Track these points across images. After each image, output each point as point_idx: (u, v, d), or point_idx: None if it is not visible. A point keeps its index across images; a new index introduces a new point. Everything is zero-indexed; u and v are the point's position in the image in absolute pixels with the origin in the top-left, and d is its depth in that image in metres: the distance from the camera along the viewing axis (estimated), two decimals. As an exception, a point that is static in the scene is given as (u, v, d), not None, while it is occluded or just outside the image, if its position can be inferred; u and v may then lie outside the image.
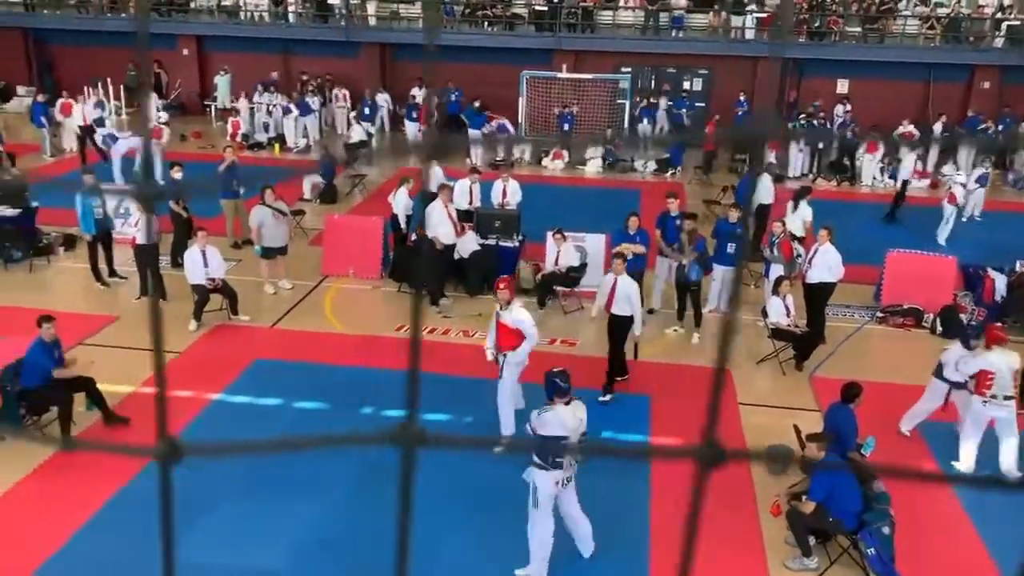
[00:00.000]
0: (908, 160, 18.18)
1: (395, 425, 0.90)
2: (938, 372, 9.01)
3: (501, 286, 8.84)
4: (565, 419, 6.71)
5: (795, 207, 13.16)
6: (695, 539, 0.84)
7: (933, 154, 21.39)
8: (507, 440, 8.30)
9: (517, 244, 13.20)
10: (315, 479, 8.06)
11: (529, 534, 6.87)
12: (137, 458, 8.28)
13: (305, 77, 24.85)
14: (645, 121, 22.74)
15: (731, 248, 11.85)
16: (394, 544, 0.91)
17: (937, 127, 21.70)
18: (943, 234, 16.00)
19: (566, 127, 22.06)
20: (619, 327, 9.96)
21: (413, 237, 13.15)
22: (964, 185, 16.61)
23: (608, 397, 9.91)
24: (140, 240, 11.82)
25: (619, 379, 10.16)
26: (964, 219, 16.94)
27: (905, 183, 17.72)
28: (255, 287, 12.73)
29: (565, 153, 21.72)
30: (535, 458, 6.78)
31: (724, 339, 0.86)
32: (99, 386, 8.92)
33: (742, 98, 22.92)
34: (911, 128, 21.15)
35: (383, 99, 24.15)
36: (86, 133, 19.96)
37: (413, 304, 0.89)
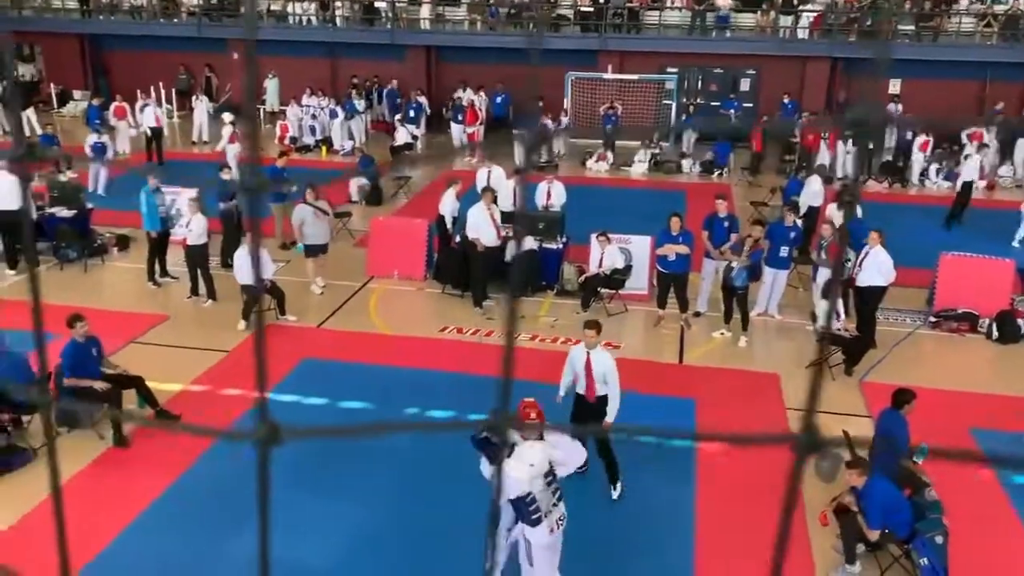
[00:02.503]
0: (973, 161, 17.61)
1: (256, 424, 0.88)
2: None
3: (532, 414, 6.44)
4: (516, 475, 5.83)
5: (840, 207, 12.93)
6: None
7: (991, 156, 20.86)
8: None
9: (560, 246, 13.17)
10: (359, 476, 8.12)
11: None
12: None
13: (355, 80, 25.10)
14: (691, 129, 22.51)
15: (784, 251, 11.69)
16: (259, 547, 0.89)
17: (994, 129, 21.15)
18: (1018, 236, 15.64)
19: (609, 127, 21.95)
20: (596, 413, 7.71)
21: (457, 239, 13.18)
22: None
23: (619, 490, 7.91)
24: (191, 241, 12.06)
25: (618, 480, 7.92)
26: None
27: (969, 185, 17.04)
28: (303, 287, 12.88)
29: (609, 155, 21.62)
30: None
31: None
32: (149, 383, 9.08)
33: (786, 100, 22.57)
34: (982, 129, 20.62)
35: (423, 101, 24.29)
36: (156, 135, 20.40)
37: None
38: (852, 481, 6.91)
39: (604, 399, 7.73)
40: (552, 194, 13.98)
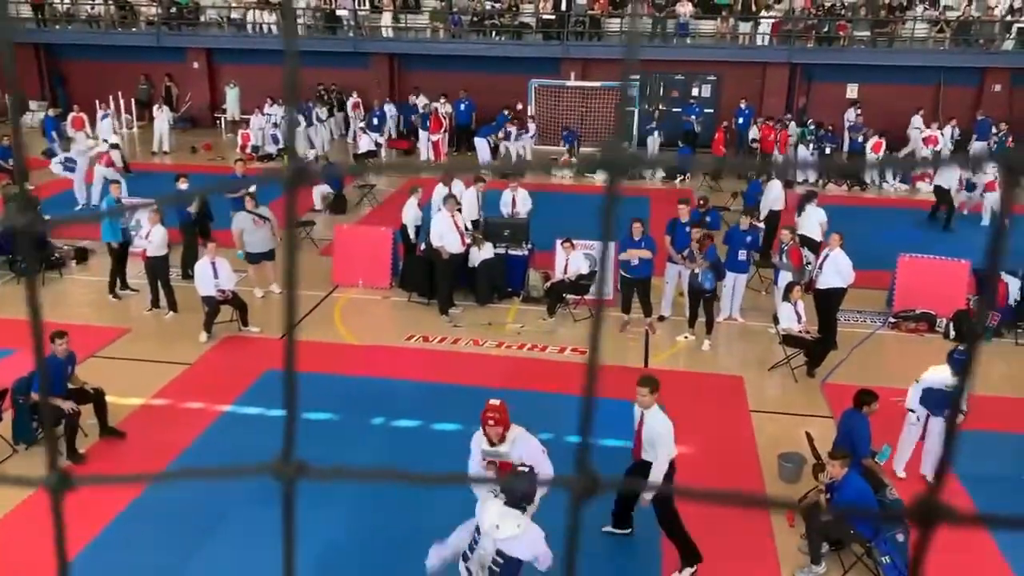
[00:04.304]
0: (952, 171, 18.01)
1: (275, 458, 0.86)
2: None
3: (490, 421, 6.29)
4: (479, 514, 5.67)
5: (800, 212, 13.17)
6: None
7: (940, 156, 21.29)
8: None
9: (526, 252, 13.19)
10: (323, 488, 8.05)
11: None
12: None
13: (322, 88, 24.95)
14: (656, 135, 22.51)
15: (743, 255, 11.84)
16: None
17: (947, 131, 21.59)
18: (986, 219, 16.87)
19: (566, 146, 22.08)
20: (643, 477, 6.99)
21: (422, 247, 13.14)
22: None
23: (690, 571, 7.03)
24: (151, 253, 11.90)
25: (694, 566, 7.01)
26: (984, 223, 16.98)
27: (947, 191, 17.32)
28: (266, 298, 12.80)
29: (573, 160, 21.69)
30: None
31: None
32: (109, 398, 8.94)
33: (743, 105, 22.82)
34: (937, 133, 21.02)
35: (391, 109, 24.23)
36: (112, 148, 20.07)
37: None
38: (833, 471, 6.95)
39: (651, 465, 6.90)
40: (517, 201, 14.00)
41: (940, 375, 8.10)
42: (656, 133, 22.52)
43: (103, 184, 17.02)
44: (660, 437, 6.77)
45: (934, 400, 8.11)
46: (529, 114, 23.13)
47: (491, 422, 6.27)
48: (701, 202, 13.55)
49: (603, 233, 0.85)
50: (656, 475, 6.71)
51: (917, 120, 22.11)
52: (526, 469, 5.95)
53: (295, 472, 0.83)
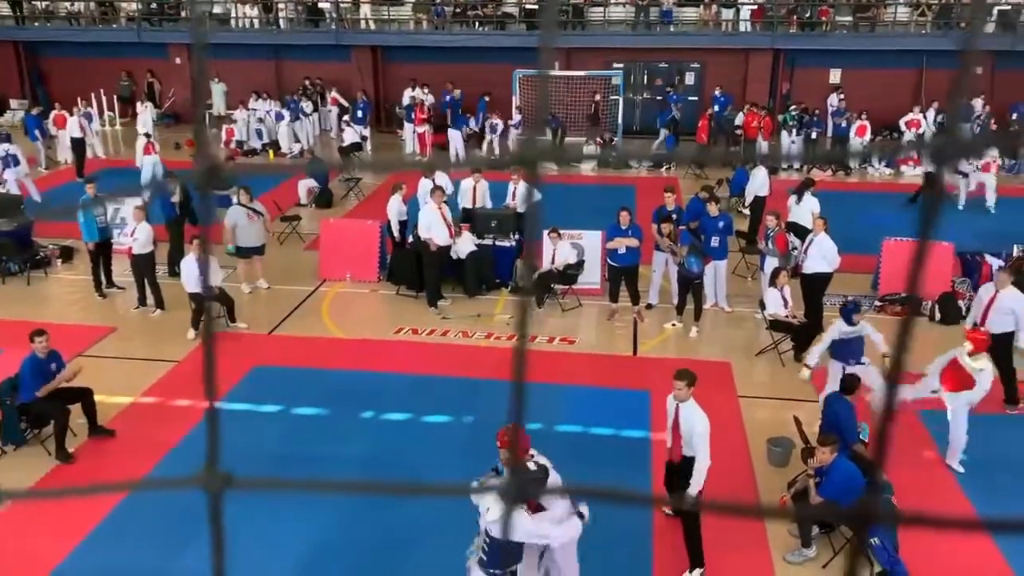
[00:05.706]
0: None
1: (202, 469, 0.87)
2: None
3: (499, 444, 6.15)
4: (519, 523, 5.49)
5: (799, 199, 13.11)
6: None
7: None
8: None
9: (514, 243, 13.19)
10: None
11: None
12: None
13: (307, 82, 24.81)
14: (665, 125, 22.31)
15: (716, 241, 11.83)
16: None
17: (931, 114, 21.68)
18: (991, 200, 17.18)
19: (549, 130, 22.04)
20: (684, 476, 6.75)
21: (410, 239, 13.10)
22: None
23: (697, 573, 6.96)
24: (137, 250, 11.84)
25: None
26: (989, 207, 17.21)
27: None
28: (253, 293, 12.77)
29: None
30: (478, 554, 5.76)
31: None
32: (97, 397, 8.91)
33: (717, 93, 22.77)
34: (919, 116, 21.10)
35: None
36: (76, 144, 19.92)
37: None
38: (822, 457, 6.98)
39: (689, 460, 6.74)
40: (517, 194, 13.93)
41: (836, 327, 9.12)
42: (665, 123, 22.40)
43: (152, 172, 17.34)
44: (700, 434, 6.63)
45: (840, 352, 9.03)
46: (517, 105, 23.02)
47: (499, 444, 6.13)
48: (706, 192, 13.19)
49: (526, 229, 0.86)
50: (699, 476, 6.59)
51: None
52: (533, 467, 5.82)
53: (221, 483, 0.83)
